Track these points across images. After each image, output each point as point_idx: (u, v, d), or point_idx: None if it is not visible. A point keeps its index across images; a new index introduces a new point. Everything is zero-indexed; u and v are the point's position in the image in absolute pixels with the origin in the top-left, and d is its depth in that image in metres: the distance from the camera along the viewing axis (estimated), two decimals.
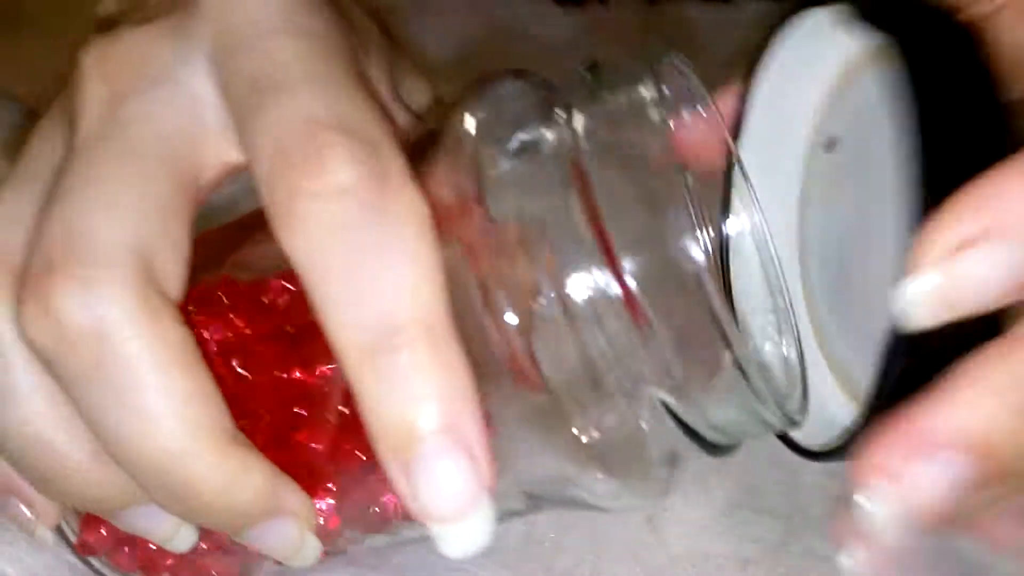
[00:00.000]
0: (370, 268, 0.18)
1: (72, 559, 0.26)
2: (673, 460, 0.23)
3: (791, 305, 0.25)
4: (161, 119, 0.21)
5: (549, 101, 0.22)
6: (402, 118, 0.26)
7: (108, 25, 0.24)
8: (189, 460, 0.20)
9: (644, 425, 0.21)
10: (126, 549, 0.25)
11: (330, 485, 0.23)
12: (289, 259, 0.19)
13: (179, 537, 0.23)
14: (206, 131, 0.21)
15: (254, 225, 0.22)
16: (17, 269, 0.21)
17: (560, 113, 0.22)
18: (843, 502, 0.20)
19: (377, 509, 0.23)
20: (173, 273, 0.20)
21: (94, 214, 0.20)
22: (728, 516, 0.32)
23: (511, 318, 0.20)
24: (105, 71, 0.21)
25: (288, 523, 0.21)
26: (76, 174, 0.20)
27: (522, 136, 0.21)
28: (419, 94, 0.29)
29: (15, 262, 0.21)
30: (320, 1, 0.22)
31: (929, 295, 0.17)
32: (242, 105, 0.20)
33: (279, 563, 0.23)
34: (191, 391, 0.20)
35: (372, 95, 0.21)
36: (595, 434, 0.21)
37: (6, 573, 0.28)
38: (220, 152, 0.21)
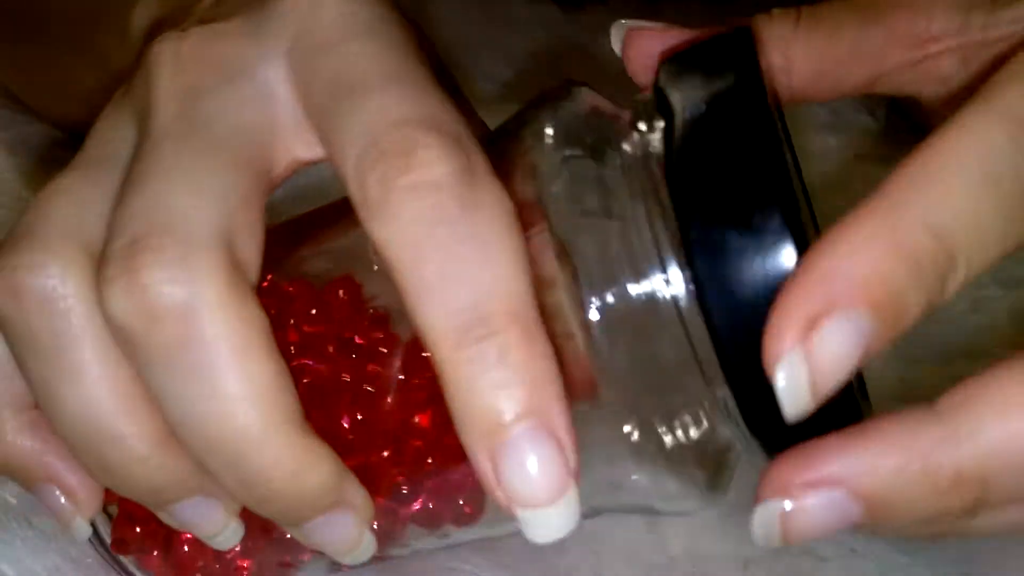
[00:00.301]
0: (463, 258, 0.19)
1: (76, 558, 0.26)
2: (733, 462, 0.23)
3: None
4: (239, 114, 0.21)
5: (615, 112, 0.23)
6: None
7: (158, 31, 0.24)
8: (264, 444, 0.20)
9: (707, 424, 0.22)
10: (156, 552, 0.25)
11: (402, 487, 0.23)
12: (380, 250, 0.19)
13: (226, 533, 0.23)
14: (281, 128, 0.21)
15: (300, 230, 0.23)
16: (91, 247, 0.21)
17: (627, 129, 0.22)
18: None
19: (432, 512, 0.24)
20: (253, 261, 0.21)
21: (181, 196, 0.20)
22: (728, 516, 0.32)
23: (592, 316, 0.21)
24: (179, 66, 0.22)
25: (348, 517, 0.22)
26: (158, 160, 0.21)
27: (593, 144, 0.22)
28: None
29: (89, 240, 0.21)
30: (394, 9, 0.22)
31: (797, 383, 0.18)
32: (326, 105, 0.21)
33: (334, 563, 0.23)
34: (271, 377, 0.20)
35: (448, 95, 0.21)
36: (672, 437, 0.22)
37: (6, 574, 0.28)
38: (292, 149, 0.22)
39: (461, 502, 0.24)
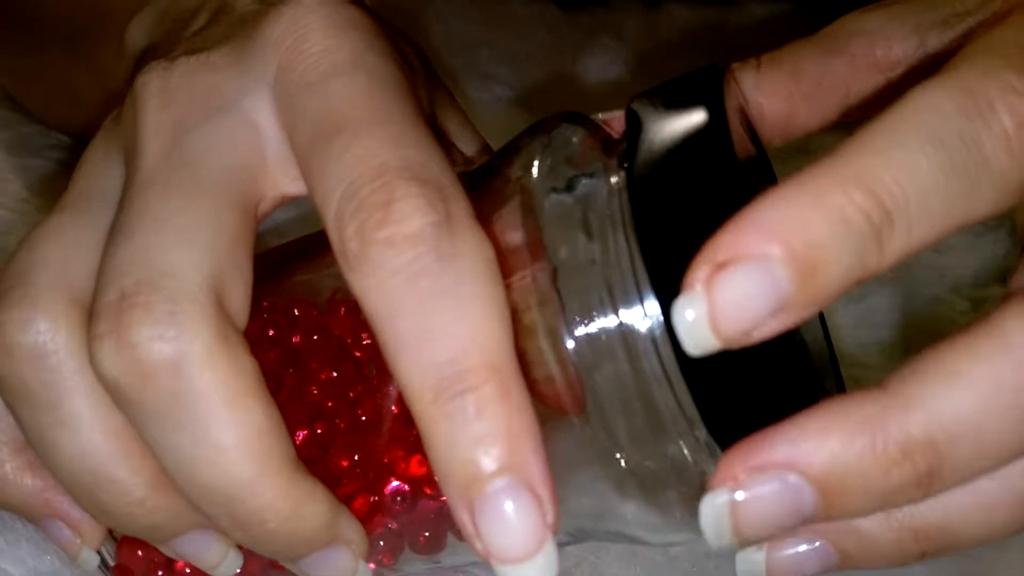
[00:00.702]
0: (440, 312, 0.19)
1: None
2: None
3: None
4: (225, 151, 0.21)
5: (604, 146, 0.23)
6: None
7: (149, 56, 0.24)
8: (259, 489, 0.20)
9: (691, 459, 0.22)
10: (160, 573, 0.25)
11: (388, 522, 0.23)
12: (359, 301, 0.19)
13: (226, 563, 0.23)
14: (267, 164, 0.21)
15: (298, 251, 0.23)
16: (80, 297, 0.21)
17: (611, 161, 0.22)
18: None
19: (426, 535, 0.24)
20: (241, 302, 0.21)
21: (168, 247, 0.20)
22: None
23: (568, 345, 0.21)
24: (166, 100, 0.22)
25: (344, 552, 0.22)
26: (145, 206, 0.21)
27: (578, 180, 0.22)
28: (465, 140, 0.29)
29: (78, 290, 0.21)
30: (381, 36, 0.22)
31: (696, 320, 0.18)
32: (309, 145, 0.20)
33: None
34: (262, 423, 0.20)
35: (433, 135, 0.21)
36: (645, 465, 0.22)
37: (9, 574, 0.28)
38: (279, 184, 0.22)
39: (426, 532, 0.24)
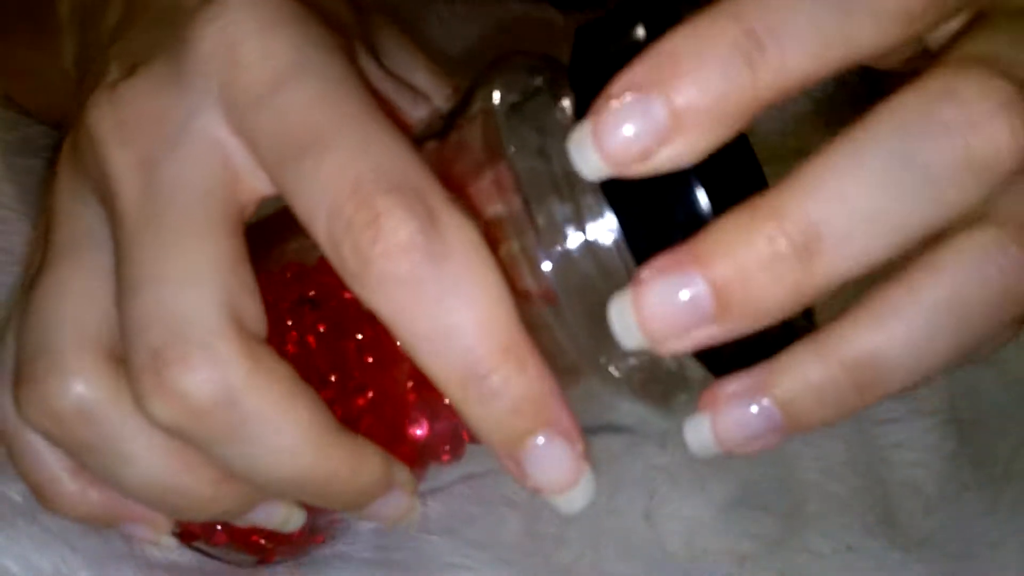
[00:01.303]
0: (447, 312, 0.20)
1: (82, 554, 0.27)
2: (688, 386, 0.25)
3: None
4: (197, 177, 0.22)
5: (558, 77, 0.24)
6: (391, 90, 0.27)
7: (81, 66, 0.25)
8: (321, 467, 0.23)
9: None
10: (219, 527, 0.27)
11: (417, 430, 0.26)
12: (373, 311, 0.21)
13: (293, 520, 0.26)
14: (239, 175, 0.22)
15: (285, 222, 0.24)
16: (104, 349, 0.23)
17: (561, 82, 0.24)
18: None
19: (447, 448, 0.27)
20: (257, 314, 0.22)
21: (178, 293, 0.21)
22: (725, 513, 0.32)
23: (546, 267, 0.23)
24: (124, 136, 0.22)
25: (400, 494, 0.25)
26: (142, 255, 0.22)
27: (529, 103, 0.24)
28: (405, 63, 0.31)
29: (100, 341, 0.23)
30: (311, 19, 0.22)
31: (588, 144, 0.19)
32: (277, 164, 0.21)
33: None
34: (310, 413, 0.22)
35: (390, 124, 0.22)
36: (627, 364, 0.24)
37: (10, 571, 0.28)
38: (255, 189, 0.22)
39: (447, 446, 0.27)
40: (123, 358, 0.22)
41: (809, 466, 0.34)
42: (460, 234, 0.21)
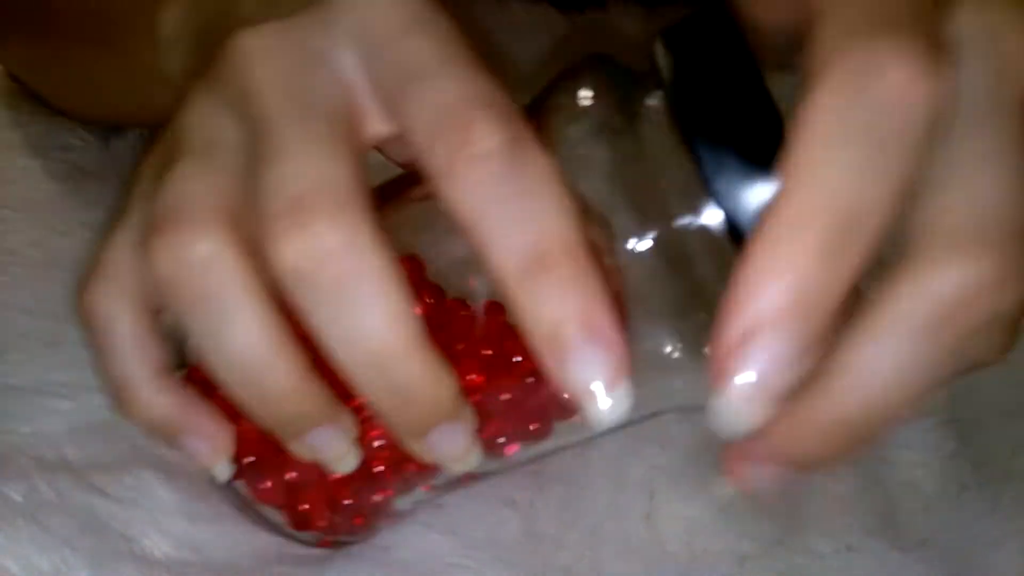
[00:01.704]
0: (520, 210, 0.23)
1: (82, 554, 0.27)
2: None
3: None
4: (332, 98, 0.25)
5: (634, 79, 0.26)
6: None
7: (203, 38, 0.28)
8: (409, 357, 0.24)
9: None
10: (269, 484, 0.28)
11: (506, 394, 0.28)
12: (451, 209, 0.23)
13: (347, 458, 0.27)
14: (364, 110, 0.25)
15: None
16: (234, 219, 0.25)
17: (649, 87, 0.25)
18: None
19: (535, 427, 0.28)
20: (373, 212, 0.24)
21: (317, 164, 0.24)
22: (725, 513, 0.32)
23: (631, 250, 0.25)
24: (269, 55, 0.25)
25: (462, 427, 0.26)
26: (283, 137, 0.24)
27: (619, 106, 0.26)
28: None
29: (230, 211, 0.25)
30: (437, 4, 0.26)
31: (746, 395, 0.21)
32: (396, 91, 0.24)
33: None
34: (408, 305, 0.24)
35: (490, 71, 0.24)
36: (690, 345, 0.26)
37: (10, 571, 0.28)
38: (374, 128, 0.25)
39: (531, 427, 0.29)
40: (251, 230, 0.24)
41: None
42: (539, 157, 0.23)
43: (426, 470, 0.28)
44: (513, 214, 0.22)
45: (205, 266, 0.24)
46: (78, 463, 0.31)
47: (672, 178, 0.24)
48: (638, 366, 0.25)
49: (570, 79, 0.27)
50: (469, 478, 0.29)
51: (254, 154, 0.24)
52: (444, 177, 0.23)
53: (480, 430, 0.27)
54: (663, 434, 0.34)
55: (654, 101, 0.25)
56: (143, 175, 0.28)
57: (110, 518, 0.30)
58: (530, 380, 0.27)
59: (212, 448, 0.28)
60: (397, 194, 0.28)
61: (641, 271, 0.25)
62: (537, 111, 0.27)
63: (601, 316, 0.23)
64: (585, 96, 0.26)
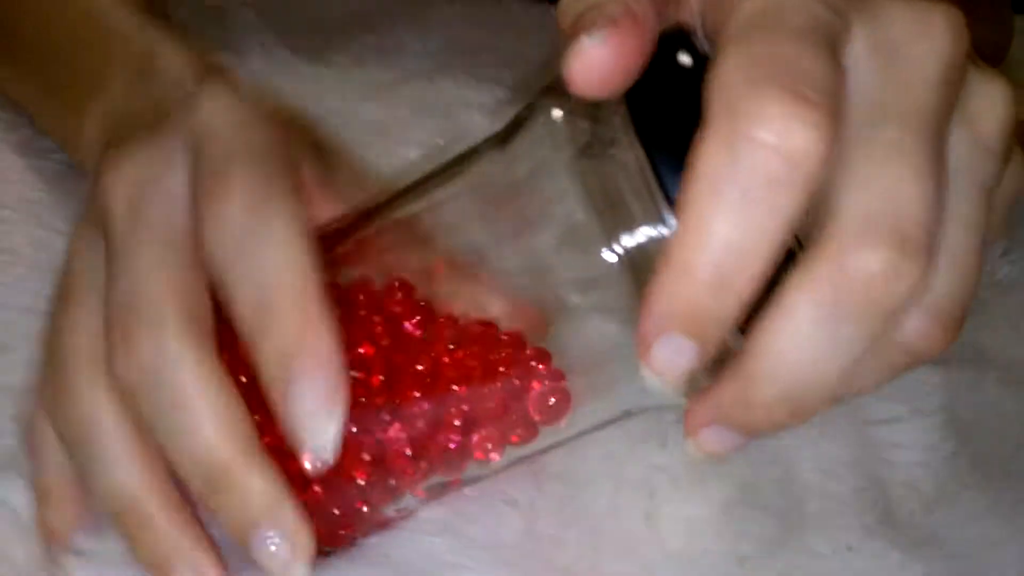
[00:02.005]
0: (250, 258, 0.26)
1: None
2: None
3: None
4: (169, 216, 0.28)
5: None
6: (331, 204, 0.32)
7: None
8: (235, 467, 0.26)
9: None
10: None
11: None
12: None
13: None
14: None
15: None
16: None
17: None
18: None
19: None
20: (206, 316, 0.27)
21: (141, 281, 0.27)
22: (725, 513, 0.32)
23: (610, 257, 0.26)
24: (119, 183, 0.28)
25: (283, 534, 0.26)
26: (121, 260, 0.28)
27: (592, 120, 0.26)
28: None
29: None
30: (270, 126, 0.29)
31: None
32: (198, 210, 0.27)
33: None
34: (232, 413, 0.26)
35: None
36: None
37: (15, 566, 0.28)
38: None
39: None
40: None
41: (809, 466, 0.34)
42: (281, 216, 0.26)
43: (413, 479, 0.29)
44: (249, 261, 0.26)
45: (84, 420, 0.27)
46: None
47: (638, 190, 0.25)
48: (610, 370, 0.28)
49: (545, 96, 0.27)
50: (459, 483, 0.30)
51: (107, 265, 0.27)
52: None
53: (468, 436, 0.28)
54: (663, 434, 0.34)
55: (619, 117, 0.25)
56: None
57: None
58: (514, 388, 0.28)
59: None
60: (367, 220, 0.30)
61: (612, 281, 0.26)
62: (516, 128, 0.28)
63: (318, 348, 0.25)
64: (557, 115, 0.27)
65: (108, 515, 0.28)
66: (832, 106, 0.22)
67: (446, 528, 0.31)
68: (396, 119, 0.49)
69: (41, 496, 0.29)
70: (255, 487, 0.26)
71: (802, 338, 0.23)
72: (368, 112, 0.49)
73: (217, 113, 0.29)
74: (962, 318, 0.24)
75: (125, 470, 0.27)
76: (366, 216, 0.30)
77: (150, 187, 0.28)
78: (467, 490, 0.31)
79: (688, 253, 0.22)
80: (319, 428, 0.25)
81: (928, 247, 0.22)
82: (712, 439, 0.25)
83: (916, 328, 0.24)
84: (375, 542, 0.30)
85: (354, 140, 0.47)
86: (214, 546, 0.28)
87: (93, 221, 0.29)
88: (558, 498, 0.32)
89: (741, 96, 0.22)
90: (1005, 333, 0.41)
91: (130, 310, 0.26)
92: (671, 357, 0.23)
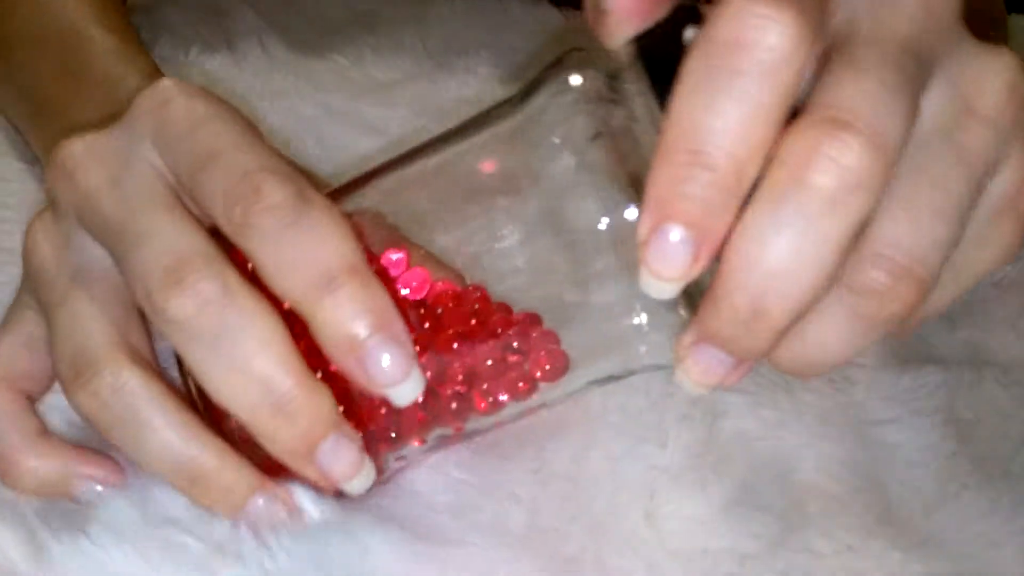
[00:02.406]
0: (308, 243, 0.27)
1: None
2: None
3: None
4: (155, 186, 0.29)
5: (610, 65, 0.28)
6: None
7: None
8: (288, 382, 0.27)
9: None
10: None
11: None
12: (250, 255, 0.27)
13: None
14: (178, 195, 0.29)
15: None
16: (124, 333, 0.30)
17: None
18: None
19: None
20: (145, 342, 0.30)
21: (172, 239, 0.28)
22: (726, 513, 0.32)
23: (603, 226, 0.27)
24: (89, 164, 0.29)
25: (347, 441, 0.28)
26: (136, 228, 0.29)
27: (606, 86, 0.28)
28: None
29: (122, 331, 0.30)
30: (227, 105, 0.30)
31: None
32: (192, 175, 0.28)
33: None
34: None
35: (277, 152, 0.29)
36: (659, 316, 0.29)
37: (14, 567, 0.28)
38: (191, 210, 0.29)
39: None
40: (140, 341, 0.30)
41: (809, 466, 0.34)
42: (321, 202, 0.28)
43: (419, 428, 0.30)
44: (305, 248, 0.27)
45: (115, 396, 0.28)
46: None
47: (651, 152, 0.25)
48: (610, 333, 0.29)
49: (557, 67, 0.28)
50: (461, 435, 0.31)
51: (114, 255, 0.29)
52: (240, 231, 0.27)
53: (470, 390, 0.30)
54: (663, 434, 0.34)
55: (633, 83, 0.26)
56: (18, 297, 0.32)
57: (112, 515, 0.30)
58: (511, 346, 0.30)
59: (107, 472, 0.30)
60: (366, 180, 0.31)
61: (613, 245, 0.27)
62: (526, 97, 0.29)
63: (390, 320, 0.27)
64: (574, 80, 0.28)
65: (164, 477, 0.29)
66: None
67: (452, 511, 0.31)
68: (396, 119, 0.49)
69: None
70: (323, 405, 0.27)
71: (766, 239, 0.23)
72: (368, 112, 0.50)
73: (174, 90, 0.29)
74: (919, 279, 0.24)
75: (170, 431, 0.28)
76: (367, 177, 0.31)
77: (126, 163, 0.29)
78: (469, 484, 0.31)
79: (676, 139, 0.23)
80: (405, 389, 0.27)
81: (886, 148, 0.22)
82: (699, 363, 0.25)
83: (868, 271, 0.24)
84: (386, 505, 0.31)
85: (354, 140, 0.47)
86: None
87: (58, 213, 0.30)
88: (560, 496, 0.32)
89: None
90: (1005, 333, 0.41)
91: (172, 263, 0.27)
92: (670, 250, 0.23)
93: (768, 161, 0.23)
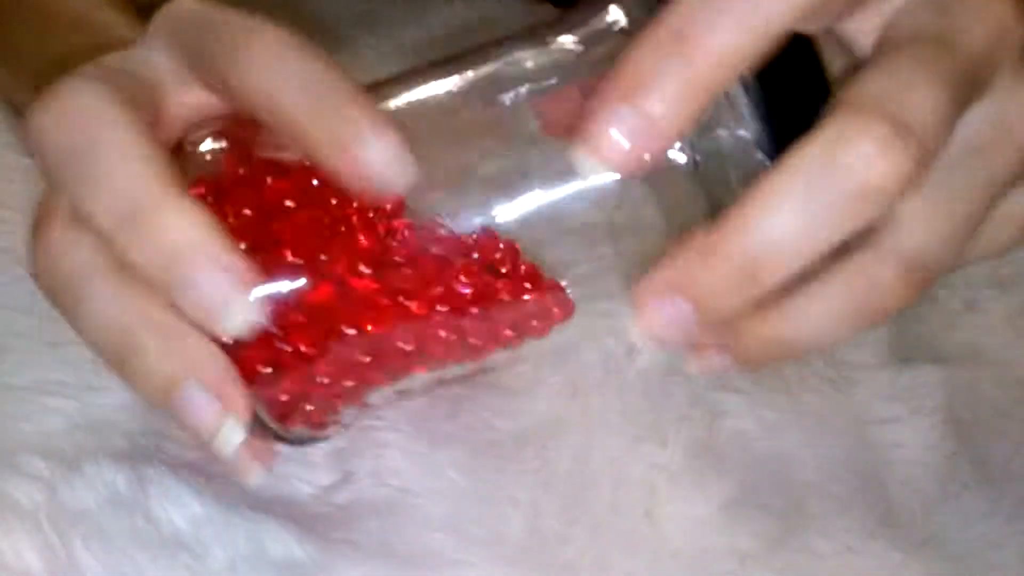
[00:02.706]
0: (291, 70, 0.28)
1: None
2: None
3: None
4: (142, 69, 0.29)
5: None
6: None
7: None
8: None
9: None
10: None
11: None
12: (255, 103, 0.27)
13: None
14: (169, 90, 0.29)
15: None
16: None
17: None
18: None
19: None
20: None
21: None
22: (726, 512, 0.32)
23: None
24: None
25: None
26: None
27: None
28: None
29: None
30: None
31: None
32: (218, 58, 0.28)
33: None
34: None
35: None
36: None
37: (11, 568, 0.28)
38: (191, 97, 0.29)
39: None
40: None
41: (809, 466, 0.34)
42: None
43: (406, 364, 0.29)
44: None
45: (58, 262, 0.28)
46: (78, 461, 0.31)
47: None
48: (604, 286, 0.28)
49: (595, 3, 0.29)
50: (441, 381, 0.30)
51: None
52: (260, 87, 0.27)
53: (458, 337, 0.28)
54: (663, 433, 0.34)
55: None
56: None
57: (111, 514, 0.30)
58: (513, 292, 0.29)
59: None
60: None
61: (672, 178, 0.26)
62: (561, 29, 0.29)
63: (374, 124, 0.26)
64: (615, 13, 0.28)
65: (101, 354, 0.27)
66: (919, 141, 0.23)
67: (450, 527, 0.31)
68: None
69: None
70: (181, 222, 0.25)
71: (784, 206, 0.23)
72: None
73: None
74: (924, 281, 0.24)
75: (108, 301, 0.27)
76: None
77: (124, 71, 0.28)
78: (468, 489, 0.31)
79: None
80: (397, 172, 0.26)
81: (926, 162, 0.23)
82: (661, 314, 0.24)
83: (878, 267, 0.24)
84: (379, 537, 0.30)
85: None
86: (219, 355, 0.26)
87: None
88: (559, 497, 0.32)
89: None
90: (1004, 333, 0.41)
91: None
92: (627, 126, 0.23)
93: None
